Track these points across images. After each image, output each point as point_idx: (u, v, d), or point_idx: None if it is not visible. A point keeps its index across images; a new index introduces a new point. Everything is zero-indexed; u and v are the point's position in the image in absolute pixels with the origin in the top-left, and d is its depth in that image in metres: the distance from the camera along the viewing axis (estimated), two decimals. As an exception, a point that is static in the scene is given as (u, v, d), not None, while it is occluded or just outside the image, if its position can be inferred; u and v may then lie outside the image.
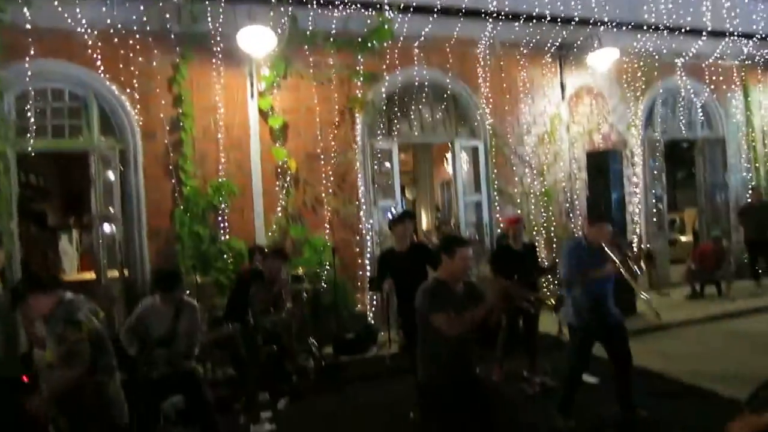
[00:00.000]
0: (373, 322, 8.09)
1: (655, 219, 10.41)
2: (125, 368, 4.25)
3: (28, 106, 7.05)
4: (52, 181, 13.29)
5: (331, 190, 8.20)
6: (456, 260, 3.58)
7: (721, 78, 11.01)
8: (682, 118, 10.83)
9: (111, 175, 7.41)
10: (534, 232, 9.37)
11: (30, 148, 7.10)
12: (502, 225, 8.51)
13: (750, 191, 10.69)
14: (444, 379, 3.51)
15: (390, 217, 7.30)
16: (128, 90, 7.32)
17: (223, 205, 7.63)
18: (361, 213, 8.37)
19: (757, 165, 11.36)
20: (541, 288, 6.07)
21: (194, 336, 4.50)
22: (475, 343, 3.64)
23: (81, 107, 7.28)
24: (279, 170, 7.96)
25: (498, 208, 9.20)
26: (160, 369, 4.37)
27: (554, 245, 9.31)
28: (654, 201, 10.47)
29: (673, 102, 10.78)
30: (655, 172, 10.52)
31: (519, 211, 9.17)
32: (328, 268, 7.85)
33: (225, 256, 7.60)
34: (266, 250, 6.71)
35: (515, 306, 3.97)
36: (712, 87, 10.93)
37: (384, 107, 8.68)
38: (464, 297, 3.59)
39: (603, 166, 8.43)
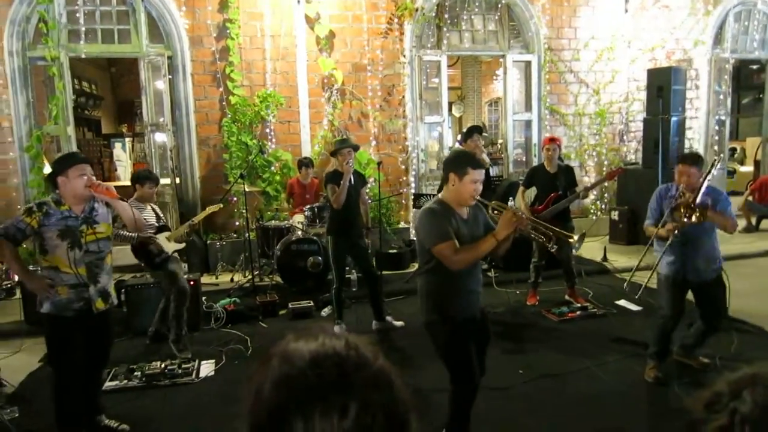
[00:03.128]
0: (414, 238, 8.16)
1: (715, 147, 9.91)
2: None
3: (77, 7, 7.05)
4: (105, 89, 13.50)
5: (378, 105, 8.08)
6: (465, 181, 3.05)
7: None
8: (756, 35, 10.02)
9: (160, 84, 7.46)
10: (585, 155, 9.10)
11: (82, 54, 7.18)
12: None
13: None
14: (450, 316, 3.12)
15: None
16: (175, -7, 7.23)
17: (270, 116, 7.64)
18: (408, 128, 8.25)
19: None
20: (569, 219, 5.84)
21: None
22: (484, 271, 3.35)
23: (128, 11, 7.25)
24: (325, 82, 7.85)
25: (549, 127, 8.92)
26: None
27: (605, 169, 9.03)
28: (716, 127, 9.92)
29: (747, 17, 9.94)
30: (721, 96, 9.90)
31: (571, 132, 8.88)
32: (373, 183, 7.87)
33: (272, 167, 7.70)
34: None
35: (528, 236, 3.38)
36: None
37: (434, 16, 8.32)
38: (471, 222, 3.19)
39: (664, 85, 7.98)
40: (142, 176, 5.06)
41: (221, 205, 5.89)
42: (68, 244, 3.37)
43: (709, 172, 3.96)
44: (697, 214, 3.74)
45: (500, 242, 3.02)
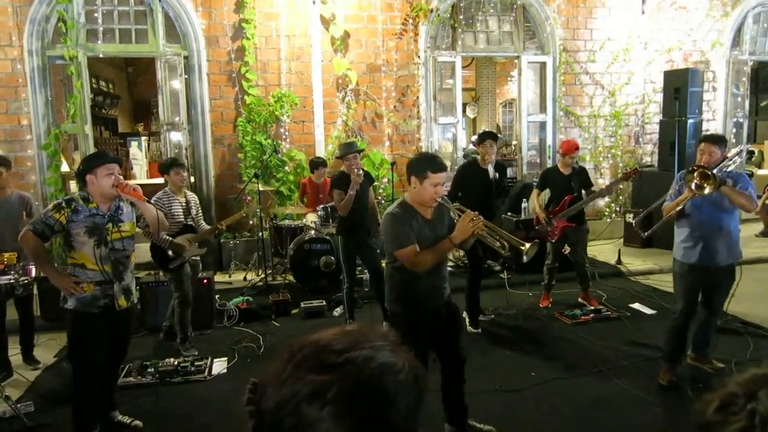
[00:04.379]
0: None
1: (732, 149, 9.79)
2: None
3: (96, 7, 7.14)
4: (122, 88, 13.65)
5: (392, 105, 8.09)
6: (425, 186, 3.07)
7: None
8: (775, 37, 9.89)
9: (177, 83, 7.53)
10: (600, 157, 9.04)
11: (100, 53, 7.27)
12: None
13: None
14: (412, 308, 3.22)
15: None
16: (191, -6, 7.29)
17: (284, 116, 7.68)
18: (422, 129, 8.25)
19: None
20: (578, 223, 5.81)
21: None
22: (446, 269, 3.38)
23: (146, 11, 7.32)
24: (340, 82, 7.87)
25: (563, 129, 8.87)
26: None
27: (620, 171, 8.96)
28: (733, 130, 9.80)
29: (767, 18, 9.81)
30: (739, 98, 9.78)
31: (585, 135, 8.83)
32: (386, 183, 7.88)
33: (285, 167, 7.73)
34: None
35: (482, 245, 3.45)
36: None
37: (449, 17, 8.32)
38: (435, 222, 3.22)
39: (681, 87, 7.90)
40: (167, 164, 5.08)
41: (244, 214, 6.01)
42: (95, 241, 3.42)
43: (736, 155, 3.94)
44: (712, 183, 3.67)
45: (458, 244, 3.11)
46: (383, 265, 5.68)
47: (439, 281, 3.31)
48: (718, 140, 4.04)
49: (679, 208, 3.95)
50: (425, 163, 3.12)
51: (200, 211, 5.28)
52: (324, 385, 0.74)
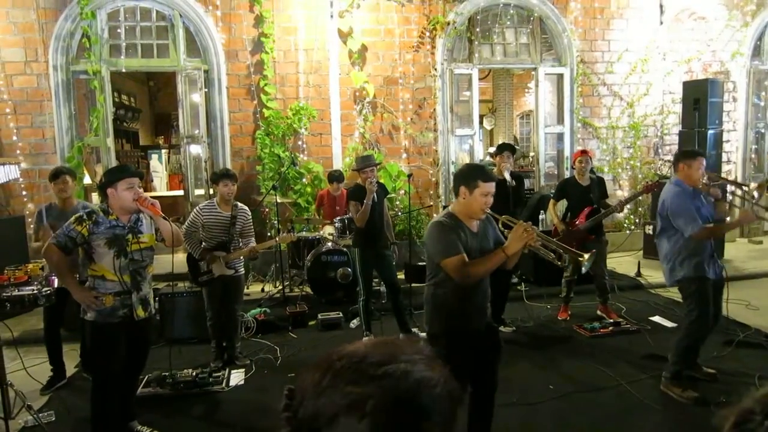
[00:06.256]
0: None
1: (753, 160, 9.66)
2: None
3: (119, 22, 7.31)
4: (144, 102, 13.88)
5: (409, 118, 8.12)
6: (476, 195, 2.99)
7: None
8: (796, 46, 9.76)
9: (197, 97, 7.65)
10: (619, 169, 8.97)
11: (123, 68, 7.42)
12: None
13: None
14: (455, 329, 3.03)
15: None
16: (211, 8, 7.41)
17: (302, 129, 7.75)
18: (439, 141, 8.27)
19: None
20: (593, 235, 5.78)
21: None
22: (491, 285, 3.22)
23: (167, 27, 7.46)
24: (357, 95, 7.93)
25: (581, 140, 8.83)
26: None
27: (639, 184, 8.88)
28: (755, 140, 9.67)
29: (788, 28, 9.70)
30: (759, 108, 9.65)
31: (604, 146, 8.78)
32: (403, 195, 7.90)
33: (303, 179, 7.79)
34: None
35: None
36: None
37: (466, 30, 8.35)
38: (481, 236, 3.12)
39: (700, 97, 7.83)
40: (216, 175, 4.94)
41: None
42: (114, 252, 3.48)
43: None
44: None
45: (510, 256, 2.98)
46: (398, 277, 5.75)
47: (483, 299, 3.17)
48: (702, 153, 4.23)
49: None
50: (475, 173, 3.06)
51: (250, 227, 5.03)
52: (362, 397, 0.75)
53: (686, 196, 4.05)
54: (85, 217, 3.46)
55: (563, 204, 6.01)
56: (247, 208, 5.08)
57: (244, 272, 5.15)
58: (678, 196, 4.08)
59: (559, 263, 3.20)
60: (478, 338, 3.11)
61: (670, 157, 9.09)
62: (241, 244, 4.93)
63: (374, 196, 5.21)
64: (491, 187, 3.02)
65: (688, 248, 4.02)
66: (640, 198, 8.51)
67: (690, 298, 4.10)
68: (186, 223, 4.89)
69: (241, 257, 4.96)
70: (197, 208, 4.91)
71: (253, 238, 5.05)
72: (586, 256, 3.21)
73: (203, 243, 4.84)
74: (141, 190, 3.60)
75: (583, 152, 5.91)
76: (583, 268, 3.26)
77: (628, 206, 8.78)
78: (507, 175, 5.38)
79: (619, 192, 8.77)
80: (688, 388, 4.09)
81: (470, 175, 3.06)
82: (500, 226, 3.31)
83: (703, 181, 4.09)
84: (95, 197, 7.55)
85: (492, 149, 11.47)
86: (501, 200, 5.29)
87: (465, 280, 2.95)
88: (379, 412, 0.74)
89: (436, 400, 0.78)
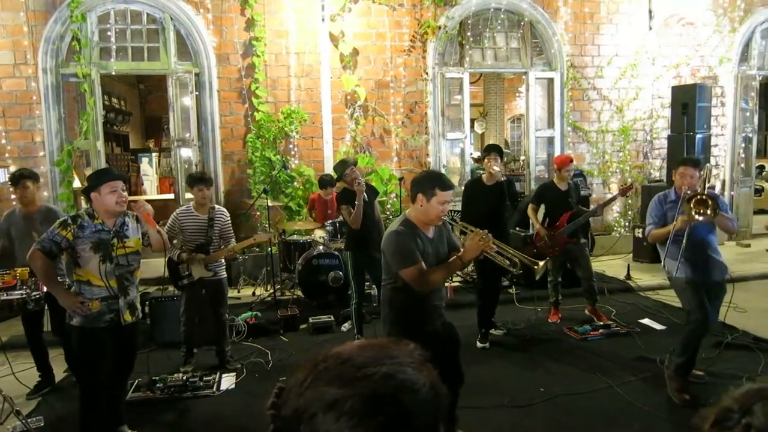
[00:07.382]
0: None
1: (741, 164, 9.76)
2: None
3: (109, 25, 7.27)
4: (134, 105, 13.82)
5: (400, 121, 8.14)
6: (433, 203, 3.02)
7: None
8: (783, 52, 9.88)
9: (187, 100, 7.63)
10: (609, 173, 9.03)
11: (113, 71, 7.38)
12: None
13: None
14: (412, 330, 2.94)
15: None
16: (202, 11, 7.40)
17: (293, 132, 7.75)
18: (430, 145, 8.30)
19: None
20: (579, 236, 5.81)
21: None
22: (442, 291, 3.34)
23: (158, 29, 7.44)
24: (348, 98, 7.95)
25: (571, 144, 8.89)
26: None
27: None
28: (742, 144, 9.78)
29: (774, 34, 9.82)
30: (747, 113, 9.76)
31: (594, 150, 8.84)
32: (394, 198, 7.91)
33: (294, 182, 7.79)
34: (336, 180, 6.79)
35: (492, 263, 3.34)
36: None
37: (457, 34, 8.39)
38: (436, 240, 3.17)
39: (689, 102, 7.91)
40: (191, 179, 4.96)
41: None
42: (100, 257, 3.45)
43: (707, 177, 4.06)
44: (710, 209, 3.73)
45: (466, 263, 3.10)
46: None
47: (439, 300, 3.28)
48: (697, 163, 4.12)
49: (677, 245, 3.99)
50: (433, 181, 3.08)
51: (228, 229, 4.98)
52: (340, 397, 0.76)
53: (657, 201, 4.22)
54: (69, 221, 3.42)
55: (542, 208, 6.01)
56: (225, 210, 5.09)
57: (225, 276, 5.10)
58: (654, 200, 4.26)
59: (514, 270, 3.28)
60: (435, 336, 3.18)
61: (659, 161, 9.19)
62: (222, 247, 4.93)
63: (365, 196, 5.20)
64: (448, 195, 3.05)
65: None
66: (629, 201, 8.60)
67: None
68: (165, 228, 4.88)
69: (222, 260, 4.96)
70: (175, 212, 4.93)
71: (234, 240, 5.05)
72: (541, 263, 3.27)
73: (182, 246, 4.83)
74: (125, 193, 3.56)
75: (571, 160, 5.92)
76: (536, 276, 3.31)
77: (616, 208, 8.90)
78: (496, 169, 5.22)
79: (609, 195, 8.82)
80: (686, 389, 4.11)
81: (428, 182, 3.07)
82: (457, 232, 3.34)
83: (687, 191, 3.98)
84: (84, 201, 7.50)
85: (476, 154, 11.52)
86: (489, 207, 5.26)
87: (423, 287, 3.03)
88: (355, 413, 0.75)
89: (417, 404, 0.78)
